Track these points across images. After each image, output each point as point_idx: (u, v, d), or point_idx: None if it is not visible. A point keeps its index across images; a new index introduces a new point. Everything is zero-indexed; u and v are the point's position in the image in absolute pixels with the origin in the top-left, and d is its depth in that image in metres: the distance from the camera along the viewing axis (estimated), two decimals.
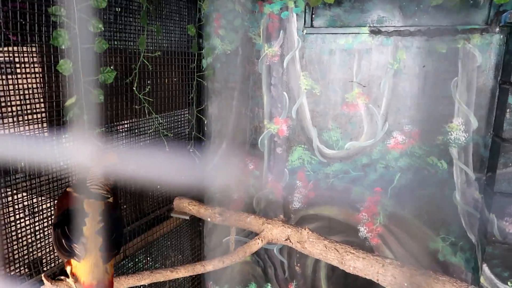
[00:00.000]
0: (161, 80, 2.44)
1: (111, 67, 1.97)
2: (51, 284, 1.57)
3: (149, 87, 2.28)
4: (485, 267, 2.16)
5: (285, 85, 2.63)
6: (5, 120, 1.63)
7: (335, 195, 2.64)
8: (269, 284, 2.99)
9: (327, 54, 2.48)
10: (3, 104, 1.60)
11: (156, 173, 2.54)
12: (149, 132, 2.41)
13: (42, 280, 1.64)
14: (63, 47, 1.77)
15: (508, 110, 1.94)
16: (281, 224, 2.09)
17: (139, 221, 2.43)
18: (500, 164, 2.01)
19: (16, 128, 1.67)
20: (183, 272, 1.89)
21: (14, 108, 1.65)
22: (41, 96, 1.77)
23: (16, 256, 1.74)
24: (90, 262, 1.45)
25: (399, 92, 2.36)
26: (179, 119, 2.69)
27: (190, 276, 3.04)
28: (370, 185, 2.53)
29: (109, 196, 1.67)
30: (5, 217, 1.67)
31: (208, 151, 2.94)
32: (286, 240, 2.05)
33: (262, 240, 2.08)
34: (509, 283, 2.12)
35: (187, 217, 2.64)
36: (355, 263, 1.72)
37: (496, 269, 2.13)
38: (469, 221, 2.34)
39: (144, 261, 2.60)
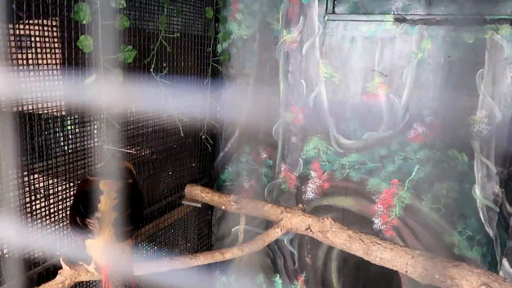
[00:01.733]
0: (178, 63, 2.36)
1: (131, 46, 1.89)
2: (70, 268, 1.50)
3: (166, 69, 2.20)
4: (505, 262, 2.13)
5: (303, 73, 2.57)
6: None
7: (351, 186, 2.60)
8: (278, 275, 2.95)
9: (348, 42, 2.42)
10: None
11: (169, 159, 2.48)
12: (164, 116, 2.34)
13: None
14: (84, 23, 1.69)
15: None
16: (301, 213, 2.05)
17: (151, 208, 2.37)
18: None
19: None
20: (202, 260, 1.83)
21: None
22: (60, 74, 1.69)
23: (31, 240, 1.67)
24: (104, 240, 1.39)
25: (422, 83, 2.31)
26: (193, 105, 2.62)
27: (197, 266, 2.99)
28: (387, 176, 2.49)
29: (128, 177, 1.61)
30: (20, 198, 1.60)
31: (220, 138, 2.88)
32: (306, 229, 2.00)
33: (281, 229, 2.03)
34: None
35: (199, 205, 2.58)
36: (382, 254, 1.68)
37: None
38: (488, 215, 2.31)
39: (151, 249, 2.54)
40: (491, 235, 2.32)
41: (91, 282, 1.87)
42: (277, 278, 2.95)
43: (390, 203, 2.52)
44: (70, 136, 1.83)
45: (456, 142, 2.30)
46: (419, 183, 2.43)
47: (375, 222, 2.58)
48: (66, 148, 1.81)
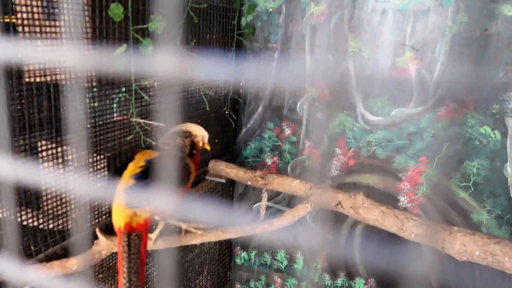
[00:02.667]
0: (204, 35, 2.31)
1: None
2: (106, 238, 1.50)
3: (194, 41, 2.15)
4: None
5: (331, 47, 2.50)
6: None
7: (376, 163, 2.56)
8: (300, 252, 2.95)
9: (379, 15, 2.34)
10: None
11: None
12: (189, 90, 2.30)
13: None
14: None
15: None
16: (331, 188, 2.02)
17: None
18: None
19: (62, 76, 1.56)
20: (233, 233, 1.83)
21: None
22: (89, 43, 1.66)
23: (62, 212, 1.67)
24: (116, 204, 1.39)
25: (456, 58, 2.24)
26: (217, 79, 2.58)
27: (219, 241, 3.00)
28: (415, 154, 2.45)
29: (171, 149, 1.54)
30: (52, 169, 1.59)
31: (243, 114, 2.84)
32: (336, 205, 1.97)
33: (311, 204, 2.01)
34: None
35: (223, 180, 2.56)
36: (418, 230, 1.65)
37: None
38: None
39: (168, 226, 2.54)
40: None
41: None
42: (299, 255, 2.95)
43: (417, 181, 2.48)
44: (99, 107, 1.81)
45: (489, 119, 2.24)
46: (448, 161, 2.38)
47: (400, 200, 2.56)
48: (95, 120, 1.79)
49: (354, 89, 2.50)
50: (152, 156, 1.48)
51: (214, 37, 2.43)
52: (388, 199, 2.57)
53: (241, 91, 2.80)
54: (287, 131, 2.75)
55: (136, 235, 1.36)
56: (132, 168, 1.44)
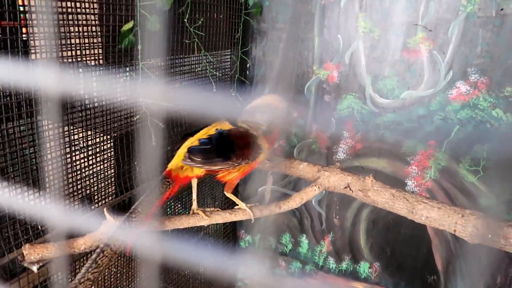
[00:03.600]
0: (211, 14, 2.25)
1: None
2: (114, 219, 1.48)
3: (202, 19, 2.10)
4: None
5: (340, 27, 2.44)
6: (56, 42, 1.48)
7: (385, 147, 2.53)
8: (304, 235, 2.95)
9: None
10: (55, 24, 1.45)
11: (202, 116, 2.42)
12: (196, 70, 2.26)
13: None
14: None
15: None
16: (340, 171, 1.99)
17: None
18: None
19: (68, 52, 1.52)
20: (240, 215, 1.80)
21: (65, 29, 1.50)
22: (96, 19, 1.61)
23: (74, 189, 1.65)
24: (178, 155, 1.57)
25: (469, 38, 2.18)
26: (223, 60, 2.53)
27: (224, 224, 3.00)
28: (424, 137, 2.41)
29: (246, 127, 1.60)
30: (61, 148, 1.57)
31: (250, 96, 2.80)
32: (345, 188, 1.95)
33: (319, 187, 1.98)
34: None
35: None
36: (429, 213, 1.63)
37: None
38: None
39: (174, 207, 2.53)
40: None
41: None
42: (303, 238, 2.95)
43: (425, 165, 2.46)
44: (105, 86, 1.77)
45: (502, 102, 2.20)
46: (458, 144, 2.35)
47: (408, 184, 2.54)
48: (101, 99, 1.75)
49: (364, 71, 2.45)
50: (224, 128, 1.57)
51: (221, 16, 2.38)
52: (395, 183, 2.54)
53: (248, 72, 2.76)
54: (294, 114, 2.70)
55: (169, 181, 1.53)
56: (203, 132, 1.59)
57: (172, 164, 1.57)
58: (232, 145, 1.56)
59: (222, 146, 1.54)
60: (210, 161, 1.53)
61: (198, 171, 1.57)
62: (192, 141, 1.56)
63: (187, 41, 2.10)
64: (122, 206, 1.83)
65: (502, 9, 2.08)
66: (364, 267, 2.81)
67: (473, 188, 2.37)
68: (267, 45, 2.66)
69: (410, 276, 2.68)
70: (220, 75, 2.44)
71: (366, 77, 2.45)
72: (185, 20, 2.03)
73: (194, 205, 1.70)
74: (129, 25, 1.64)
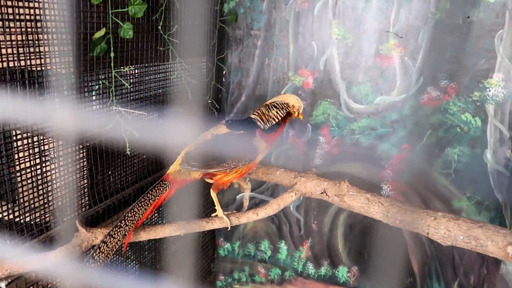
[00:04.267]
0: (185, 21, 2.24)
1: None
2: (87, 231, 1.44)
3: (176, 27, 2.08)
4: None
5: (315, 34, 2.47)
6: (25, 50, 1.44)
7: (360, 152, 2.57)
8: (283, 241, 2.95)
9: (363, 1, 2.33)
10: (23, 31, 1.41)
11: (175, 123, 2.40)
12: (171, 78, 2.24)
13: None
14: None
15: None
16: (316, 177, 2.00)
17: (156, 174, 2.30)
18: None
19: (37, 60, 1.48)
20: (217, 223, 1.79)
21: (34, 37, 1.46)
22: (67, 26, 1.58)
23: (37, 204, 1.60)
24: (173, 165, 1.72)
25: (439, 45, 2.25)
26: (198, 67, 2.52)
27: (202, 232, 2.96)
28: (398, 142, 2.46)
29: (260, 124, 1.76)
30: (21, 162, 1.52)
31: (226, 103, 2.79)
32: (321, 193, 1.96)
33: (295, 193, 1.99)
34: None
35: None
36: (403, 216, 1.66)
37: None
38: (498, 180, 2.31)
39: (151, 217, 2.49)
40: (500, 200, 2.33)
41: None
42: (282, 244, 2.95)
43: (399, 168, 2.50)
44: (78, 95, 1.73)
45: (471, 106, 2.27)
46: (430, 148, 2.41)
47: (383, 188, 2.57)
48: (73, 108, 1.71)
49: (338, 77, 2.49)
50: (220, 132, 1.71)
51: (196, 23, 2.37)
52: (371, 188, 2.58)
53: (224, 79, 2.75)
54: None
55: (167, 184, 1.66)
56: (200, 139, 1.71)
57: (170, 169, 1.70)
58: (227, 148, 1.65)
59: (218, 150, 1.64)
60: (206, 165, 1.64)
61: (195, 174, 1.69)
62: (189, 147, 1.68)
63: (161, 48, 2.08)
64: (96, 217, 1.79)
65: (468, 17, 2.16)
66: (342, 272, 2.83)
67: (446, 190, 2.43)
68: (243, 51, 2.67)
69: (387, 279, 2.71)
70: (196, 82, 2.42)
71: (340, 83, 2.49)
72: (159, 28, 2.02)
73: (219, 211, 1.80)
74: (101, 32, 1.62)
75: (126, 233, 1.49)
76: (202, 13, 2.39)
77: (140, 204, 1.58)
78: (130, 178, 2.08)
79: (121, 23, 1.69)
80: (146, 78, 2.09)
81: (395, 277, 2.69)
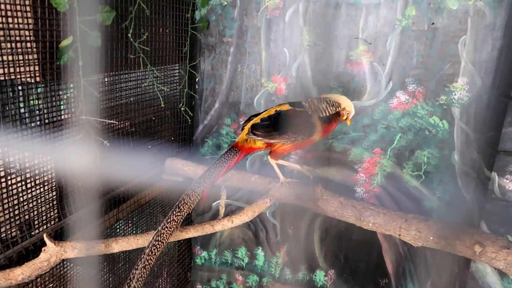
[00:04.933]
0: (156, 29, 2.23)
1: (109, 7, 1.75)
2: (55, 245, 1.40)
3: (146, 34, 2.06)
4: (483, 224, 2.22)
5: (286, 41, 2.50)
6: None
7: (333, 156, 2.60)
8: (260, 247, 2.94)
9: (332, 8, 2.37)
10: None
11: (148, 132, 2.37)
12: (143, 86, 2.21)
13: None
14: None
15: None
16: (291, 182, 2.02)
17: (130, 184, 2.26)
18: (507, 123, 2.03)
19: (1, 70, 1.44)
20: (192, 232, 1.77)
21: None
22: (32, 35, 1.54)
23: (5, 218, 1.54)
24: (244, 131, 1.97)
25: (406, 50, 2.31)
26: (171, 74, 2.50)
27: (178, 241, 2.92)
28: (369, 146, 2.51)
29: (308, 110, 1.91)
30: None
31: (200, 110, 2.78)
32: (296, 199, 1.98)
33: (270, 199, 2.00)
34: (504, 237, 2.20)
35: (181, 179, 2.49)
36: (375, 219, 1.69)
37: (493, 225, 2.20)
38: (465, 180, 2.39)
39: (128, 227, 2.45)
40: (468, 199, 2.41)
41: (77, 258, 1.77)
42: (259, 251, 2.94)
43: (372, 172, 2.55)
44: (45, 105, 1.68)
45: (438, 110, 2.34)
46: (400, 151, 2.46)
47: (357, 191, 2.61)
48: (41, 118, 1.66)
49: (310, 83, 2.52)
50: (284, 109, 1.92)
51: (167, 30, 2.36)
52: (345, 191, 2.62)
53: (197, 86, 2.74)
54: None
55: (237, 150, 1.93)
56: (265, 113, 1.96)
57: (239, 137, 1.97)
58: (288, 122, 1.85)
59: (280, 123, 1.86)
60: (268, 135, 1.88)
61: (259, 143, 1.93)
62: (256, 120, 1.94)
63: (132, 56, 2.05)
64: (66, 230, 1.73)
65: (433, 23, 2.23)
66: (319, 276, 2.85)
67: (417, 192, 2.49)
68: (215, 58, 2.66)
69: (363, 281, 2.75)
70: (168, 90, 2.41)
71: (312, 88, 2.52)
72: (129, 35, 1.99)
73: (282, 177, 2.01)
74: (68, 40, 1.58)
75: (204, 189, 1.81)
76: (173, 20, 2.38)
77: (214, 167, 1.87)
78: (101, 188, 2.03)
79: (89, 31, 1.66)
80: (117, 86, 2.06)
81: (370, 279, 2.74)
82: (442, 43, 2.24)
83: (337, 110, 1.93)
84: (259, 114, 2.00)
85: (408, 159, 2.46)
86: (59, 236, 1.67)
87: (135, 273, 1.49)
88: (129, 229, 2.44)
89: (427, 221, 1.59)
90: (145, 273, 1.52)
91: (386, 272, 2.69)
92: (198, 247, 3.09)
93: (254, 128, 1.91)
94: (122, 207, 2.16)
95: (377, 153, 2.51)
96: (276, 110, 1.94)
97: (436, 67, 2.28)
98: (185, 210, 1.71)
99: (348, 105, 1.93)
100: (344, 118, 1.96)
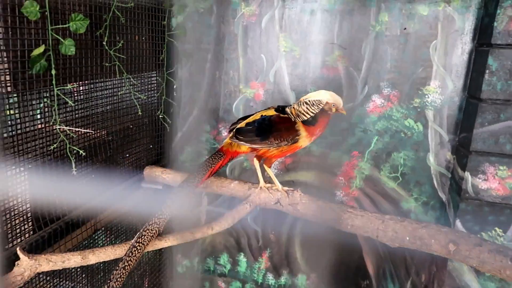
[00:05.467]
0: (131, 36, 2.21)
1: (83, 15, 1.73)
2: (29, 258, 1.37)
3: (122, 42, 2.05)
4: (458, 223, 2.27)
5: (263, 47, 2.52)
6: None
7: (312, 160, 2.63)
8: (242, 254, 2.94)
9: (308, 15, 2.41)
10: None
11: (126, 140, 2.34)
12: (119, 94, 2.19)
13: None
14: None
15: (487, 71, 2.02)
16: (270, 187, 2.02)
17: (108, 193, 2.23)
18: (477, 124, 2.09)
19: None
20: (172, 241, 1.76)
21: None
22: (3, 44, 1.51)
23: None
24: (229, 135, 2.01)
25: (380, 55, 2.36)
26: (148, 82, 2.49)
27: (159, 249, 2.89)
28: (347, 149, 2.54)
29: (291, 117, 1.89)
30: None
31: (178, 117, 2.77)
32: (275, 203, 1.98)
33: (250, 204, 2.00)
34: (479, 235, 2.26)
35: (160, 187, 2.47)
36: (353, 221, 1.71)
37: (468, 223, 2.26)
38: (440, 181, 2.45)
39: (107, 237, 2.41)
40: (443, 199, 2.47)
41: (53, 271, 1.73)
42: (241, 257, 2.94)
43: (350, 175, 2.59)
44: (17, 115, 1.65)
45: (412, 112, 2.39)
46: (378, 153, 2.51)
47: (336, 194, 2.64)
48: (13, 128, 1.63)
49: (288, 88, 2.55)
50: (268, 114, 1.93)
51: (143, 38, 2.35)
52: (325, 195, 2.65)
53: (175, 94, 2.73)
54: (224, 133, 2.72)
55: (222, 154, 1.96)
56: (252, 117, 1.97)
57: (224, 141, 2.01)
58: (271, 128, 1.87)
59: (263, 129, 1.88)
60: (251, 140, 1.89)
61: (244, 148, 1.95)
62: (242, 124, 1.96)
63: (107, 64, 2.04)
64: (41, 242, 1.69)
65: (405, 28, 2.29)
66: (301, 280, 2.86)
67: (394, 193, 2.54)
68: (193, 65, 2.66)
69: (345, 284, 2.78)
70: (146, 97, 2.39)
71: (290, 94, 2.55)
72: (104, 43, 1.97)
73: (262, 181, 2.03)
74: (40, 49, 1.56)
75: (188, 193, 1.83)
76: (149, 28, 2.37)
77: (198, 170, 1.89)
78: (78, 199, 1.99)
79: (62, 40, 1.64)
80: (93, 95, 2.04)
81: (352, 281, 2.76)
82: (414, 48, 2.30)
83: (320, 107, 1.86)
84: (247, 117, 2.01)
85: (385, 162, 2.51)
86: (34, 249, 1.63)
87: (115, 273, 1.50)
88: (109, 240, 2.40)
89: (403, 221, 1.62)
90: (124, 274, 1.52)
91: (367, 274, 2.72)
92: (179, 256, 3.06)
93: (238, 132, 1.94)
94: (99, 218, 2.12)
95: (355, 156, 2.55)
96: (262, 115, 1.95)
97: (409, 71, 2.34)
98: (167, 213, 1.73)
99: (329, 98, 1.87)
100: (334, 111, 1.89)
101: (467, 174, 2.19)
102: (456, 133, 2.36)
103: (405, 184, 2.50)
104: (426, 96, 2.35)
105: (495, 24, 1.95)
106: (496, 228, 2.27)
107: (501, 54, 1.98)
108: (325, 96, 1.87)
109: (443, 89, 2.32)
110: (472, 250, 1.42)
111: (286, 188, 2.02)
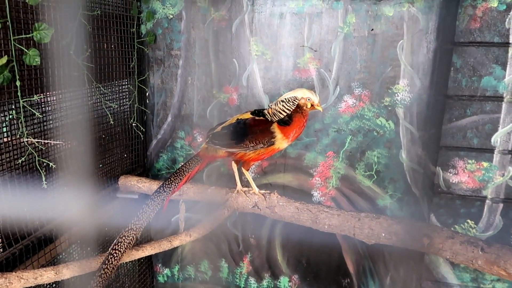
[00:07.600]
0: (100, 45, 2.18)
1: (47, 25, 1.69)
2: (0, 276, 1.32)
3: (89, 51, 2.01)
4: (432, 217, 2.33)
5: (235, 51, 2.53)
6: None
7: (289, 162, 2.64)
8: (223, 259, 2.92)
9: (277, 18, 2.43)
10: None
11: (98, 150, 2.30)
12: (89, 103, 2.15)
13: None
14: None
15: (452, 69, 2.08)
16: (247, 191, 2.03)
17: (81, 205, 2.17)
18: (445, 120, 2.16)
19: None
20: (149, 250, 1.73)
21: None
22: None
23: None
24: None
25: (349, 56, 2.41)
26: (119, 90, 2.45)
27: (138, 260, 2.84)
28: (322, 149, 2.57)
29: (268, 117, 1.93)
30: None
31: (152, 125, 2.73)
32: (253, 207, 1.99)
33: (228, 209, 2.00)
34: (452, 228, 2.33)
35: (136, 196, 2.43)
36: (330, 221, 1.73)
37: (442, 217, 2.32)
38: (413, 177, 2.50)
39: (83, 250, 2.35)
40: (417, 194, 2.52)
41: None
42: (223, 263, 2.92)
43: (327, 175, 2.61)
44: None
45: (384, 111, 2.44)
46: (352, 153, 2.54)
47: (314, 195, 2.66)
48: None
49: (261, 92, 2.56)
50: (244, 117, 1.96)
51: (112, 46, 2.31)
52: (302, 196, 2.66)
53: (148, 101, 2.70)
54: (199, 139, 2.71)
55: (199, 159, 1.97)
56: (228, 121, 1.99)
57: (202, 146, 2.03)
58: (246, 131, 1.88)
59: (237, 132, 1.88)
60: (227, 144, 1.90)
61: (221, 152, 1.96)
62: (218, 129, 1.98)
63: (75, 73, 1.99)
64: (12, 260, 1.64)
65: (372, 29, 2.34)
66: (284, 282, 2.86)
67: (370, 191, 2.58)
68: (165, 72, 2.64)
69: (326, 283, 2.80)
70: (117, 106, 2.35)
71: (264, 97, 2.56)
72: (71, 52, 1.93)
73: (239, 185, 2.04)
74: (3, 60, 1.51)
75: (165, 198, 1.84)
76: (117, 35, 2.33)
77: (175, 175, 1.90)
78: (50, 212, 1.94)
79: (26, 50, 1.60)
80: (62, 105, 1.99)
81: (333, 280, 2.79)
82: (382, 48, 2.35)
83: (295, 102, 1.90)
84: (224, 122, 2.03)
85: (359, 160, 2.55)
86: (4, 267, 1.57)
87: (91, 283, 1.50)
88: (85, 253, 2.34)
89: (379, 218, 1.65)
90: (101, 283, 1.51)
91: (347, 272, 2.75)
92: (159, 265, 3.02)
93: (213, 137, 1.95)
94: (74, 231, 2.07)
95: (330, 156, 2.58)
96: (237, 119, 1.97)
97: (379, 71, 2.39)
98: (144, 219, 1.73)
99: (304, 93, 1.91)
100: (309, 106, 1.92)
101: (438, 169, 2.25)
102: (426, 129, 2.42)
103: (380, 181, 2.55)
104: (396, 95, 2.40)
105: (457, 23, 2.02)
106: (468, 220, 2.34)
107: (464, 51, 2.05)
108: (300, 92, 1.93)
109: (411, 87, 2.38)
110: (445, 243, 1.46)
111: (263, 191, 2.03)
